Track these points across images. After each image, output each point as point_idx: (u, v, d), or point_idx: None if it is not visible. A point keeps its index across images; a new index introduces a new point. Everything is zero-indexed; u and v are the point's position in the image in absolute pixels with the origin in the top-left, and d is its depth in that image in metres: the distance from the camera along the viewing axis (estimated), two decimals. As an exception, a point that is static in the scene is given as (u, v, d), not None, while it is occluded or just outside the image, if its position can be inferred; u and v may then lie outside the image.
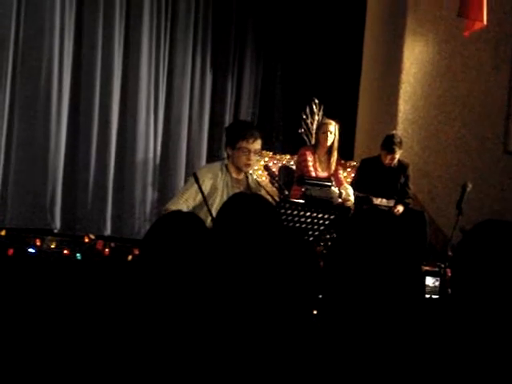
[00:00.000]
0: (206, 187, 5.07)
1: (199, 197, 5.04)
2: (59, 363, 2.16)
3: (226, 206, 2.52)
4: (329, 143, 7.13)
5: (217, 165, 5.34)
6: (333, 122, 7.13)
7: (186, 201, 5.08)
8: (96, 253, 5.76)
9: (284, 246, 2.25)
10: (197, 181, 4.96)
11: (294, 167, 7.60)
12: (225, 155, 5.41)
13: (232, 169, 5.25)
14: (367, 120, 8.68)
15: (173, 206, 5.04)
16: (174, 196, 5.39)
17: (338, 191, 6.76)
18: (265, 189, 5.30)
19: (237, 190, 5.17)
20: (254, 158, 5.23)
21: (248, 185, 5.30)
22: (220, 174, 5.20)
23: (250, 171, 5.38)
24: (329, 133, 7.11)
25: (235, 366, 2.05)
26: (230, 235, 2.36)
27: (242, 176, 5.30)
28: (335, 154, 7.19)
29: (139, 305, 2.23)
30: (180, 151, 8.13)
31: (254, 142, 5.19)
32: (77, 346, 2.16)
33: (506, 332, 2.07)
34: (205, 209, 4.88)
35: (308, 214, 5.24)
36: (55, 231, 7.16)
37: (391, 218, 6.98)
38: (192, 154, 8.26)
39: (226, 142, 5.35)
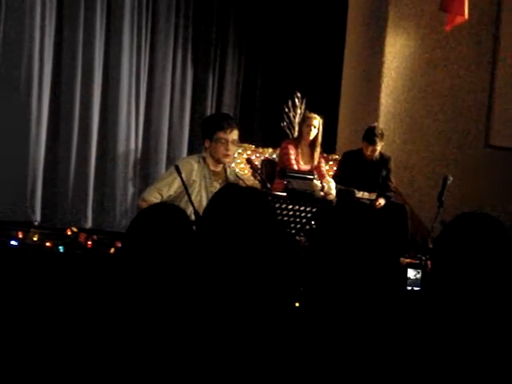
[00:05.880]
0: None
1: (175, 187, 5.03)
2: (41, 355, 2.15)
3: (217, 197, 2.42)
4: (311, 137, 7.17)
5: (194, 157, 5.31)
6: (317, 117, 7.18)
7: (160, 190, 5.06)
8: (78, 245, 5.75)
9: (269, 239, 2.25)
10: (179, 172, 4.94)
11: (276, 160, 7.60)
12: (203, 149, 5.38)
13: (210, 161, 5.21)
14: (349, 113, 8.69)
15: (148, 196, 5.05)
16: (150, 185, 5.39)
17: (320, 184, 6.78)
18: (243, 181, 5.27)
19: (215, 183, 5.17)
20: (232, 148, 5.20)
21: (226, 177, 5.27)
22: (197, 167, 5.16)
23: (232, 164, 5.36)
24: (312, 127, 7.14)
25: (218, 358, 2.05)
26: (219, 227, 2.31)
27: (220, 168, 5.26)
28: (318, 149, 7.23)
29: (122, 298, 2.22)
30: (161, 145, 8.12)
31: (231, 132, 5.16)
32: (59, 339, 2.16)
33: (485, 323, 2.09)
34: (184, 199, 4.88)
35: (290, 206, 5.25)
36: (35, 224, 7.13)
37: (372, 211, 6.99)
38: (173, 148, 8.25)
39: (203, 134, 5.31)
